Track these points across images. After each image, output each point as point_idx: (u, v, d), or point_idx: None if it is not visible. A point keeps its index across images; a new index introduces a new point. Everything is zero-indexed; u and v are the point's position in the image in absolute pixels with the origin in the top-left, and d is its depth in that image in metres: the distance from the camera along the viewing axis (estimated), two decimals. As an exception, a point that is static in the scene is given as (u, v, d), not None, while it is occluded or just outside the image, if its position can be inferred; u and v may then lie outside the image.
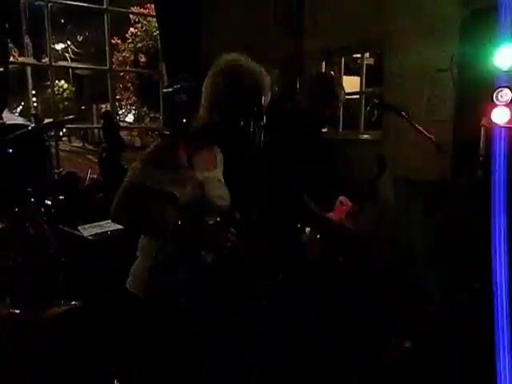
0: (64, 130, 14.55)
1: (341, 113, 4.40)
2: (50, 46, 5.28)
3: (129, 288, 1.52)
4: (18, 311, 2.08)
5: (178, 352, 1.48)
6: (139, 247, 1.54)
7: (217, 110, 1.46)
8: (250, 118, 1.39)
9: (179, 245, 1.45)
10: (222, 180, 1.55)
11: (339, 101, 2.44)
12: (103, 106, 15.33)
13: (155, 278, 1.46)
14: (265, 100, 1.45)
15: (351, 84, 4.67)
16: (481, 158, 2.85)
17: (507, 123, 1.89)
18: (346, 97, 4.68)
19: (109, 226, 2.97)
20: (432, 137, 2.35)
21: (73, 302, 2.22)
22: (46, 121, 3.77)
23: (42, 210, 2.46)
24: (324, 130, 3.07)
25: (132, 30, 11.18)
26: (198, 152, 1.48)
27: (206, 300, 1.57)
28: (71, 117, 3.32)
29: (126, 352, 1.64)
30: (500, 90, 1.87)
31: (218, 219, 1.60)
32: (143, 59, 10.60)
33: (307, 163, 2.34)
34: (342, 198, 2.68)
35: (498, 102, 1.94)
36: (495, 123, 1.95)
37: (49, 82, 5.71)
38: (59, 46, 15.73)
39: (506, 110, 1.98)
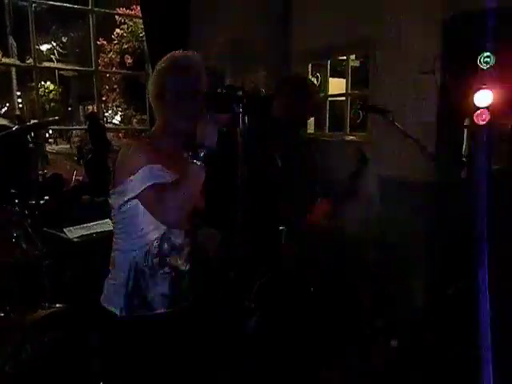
0: (50, 132, 14.39)
1: (327, 114, 4.45)
2: (34, 47, 5.22)
3: (104, 304, 1.47)
4: (1, 314, 2.05)
5: (157, 367, 1.44)
6: (111, 262, 1.49)
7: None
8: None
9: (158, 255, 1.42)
10: None
11: (309, 101, 2.45)
12: (89, 107, 15.19)
13: (132, 289, 1.41)
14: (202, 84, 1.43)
15: (337, 86, 4.70)
16: (464, 159, 2.90)
17: (488, 124, 1.93)
18: (333, 99, 4.72)
19: (95, 227, 2.95)
20: (416, 138, 2.38)
21: (58, 305, 2.19)
22: (32, 122, 3.73)
23: (26, 212, 2.42)
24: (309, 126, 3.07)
25: (118, 30, 11.08)
26: (168, 152, 1.45)
27: (187, 306, 1.55)
28: (55, 118, 3.28)
29: (107, 367, 1.61)
30: (480, 91, 1.91)
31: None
32: (129, 60, 10.52)
33: (287, 164, 2.35)
34: (322, 199, 2.70)
35: (478, 104, 1.98)
36: (477, 124, 1.99)
37: (34, 84, 5.63)
38: (44, 47, 15.57)
39: (487, 113, 2.03)
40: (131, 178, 1.33)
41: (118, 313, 1.42)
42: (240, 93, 1.27)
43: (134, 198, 1.35)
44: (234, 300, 1.59)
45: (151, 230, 1.40)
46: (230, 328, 1.64)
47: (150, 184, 1.31)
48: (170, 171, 1.38)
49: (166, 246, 1.43)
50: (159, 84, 1.45)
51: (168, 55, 1.49)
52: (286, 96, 2.41)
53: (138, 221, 1.39)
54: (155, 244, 1.41)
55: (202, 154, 1.30)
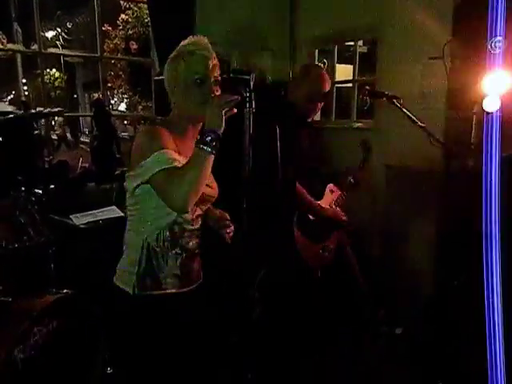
0: (56, 119, 14.40)
1: (333, 101, 4.41)
2: (39, 33, 5.19)
3: (117, 284, 1.51)
4: (9, 299, 2.07)
5: (169, 346, 1.48)
6: (124, 242, 1.53)
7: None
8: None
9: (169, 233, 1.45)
10: None
11: (324, 95, 2.47)
12: (95, 94, 15.16)
13: (144, 269, 1.45)
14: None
15: (344, 72, 4.65)
16: (472, 146, 2.86)
17: (498, 111, 1.89)
18: (339, 85, 4.68)
19: (101, 214, 2.96)
20: (424, 125, 2.36)
21: (64, 291, 2.22)
22: (38, 109, 3.73)
23: (33, 198, 2.43)
24: (314, 119, 3.07)
25: (123, 16, 11.00)
26: (183, 139, 1.47)
27: (198, 288, 1.59)
28: (58, 109, 3.26)
29: (116, 348, 1.64)
30: (491, 76, 1.88)
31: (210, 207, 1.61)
32: (134, 46, 10.46)
33: (296, 151, 2.35)
34: (331, 185, 2.70)
35: (487, 90, 1.94)
36: (486, 111, 1.96)
37: (39, 70, 5.62)
38: (49, 34, 15.50)
39: (497, 99, 1.99)
40: (144, 162, 1.34)
41: (130, 291, 1.46)
42: (247, 77, 1.25)
43: (145, 182, 1.37)
44: (239, 289, 1.60)
45: (163, 214, 1.43)
46: (234, 318, 1.66)
47: (161, 168, 1.32)
48: (184, 157, 1.39)
49: (176, 229, 1.47)
50: (172, 70, 1.46)
51: (182, 42, 1.50)
52: (309, 83, 2.42)
53: (150, 205, 1.42)
54: (167, 228, 1.45)
55: (208, 139, 1.29)
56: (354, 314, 2.80)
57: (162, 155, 1.33)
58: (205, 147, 1.29)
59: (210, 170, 1.34)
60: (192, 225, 1.51)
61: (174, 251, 1.48)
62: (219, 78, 1.44)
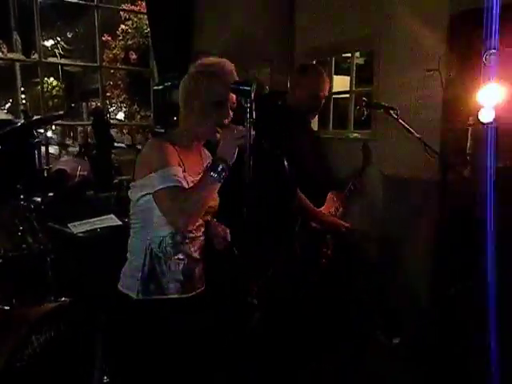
0: (54, 128, 14.40)
1: (331, 112, 4.45)
2: (39, 43, 5.24)
3: (121, 289, 1.54)
4: (7, 308, 2.07)
5: (170, 351, 1.50)
6: (128, 248, 1.57)
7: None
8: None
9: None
10: None
11: (323, 90, 2.47)
12: (93, 103, 15.19)
13: (148, 274, 1.49)
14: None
15: (341, 83, 4.70)
16: (468, 157, 2.90)
17: (493, 122, 1.93)
18: (337, 96, 4.72)
19: (99, 223, 2.97)
20: (420, 136, 2.39)
21: (62, 299, 2.22)
22: (35, 117, 3.75)
23: (32, 206, 2.44)
24: (313, 124, 3.09)
25: (123, 26, 11.07)
26: (187, 154, 1.52)
27: (201, 293, 1.61)
28: (60, 113, 3.30)
29: (118, 353, 1.65)
30: (486, 88, 1.91)
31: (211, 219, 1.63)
32: (134, 56, 10.52)
33: (299, 158, 2.36)
34: (332, 193, 2.71)
35: (482, 101, 1.98)
36: (482, 122, 1.99)
37: (38, 79, 5.65)
38: (49, 43, 15.57)
39: (492, 110, 2.03)
40: (151, 174, 1.38)
41: (134, 296, 1.49)
42: (248, 87, 1.28)
43: (149, 194, 1.41)
44: (238, 296, 1.61)
45: (164, 224, 1.46)
46: (232, 324, 1.67)
47: (166, 185, 1.36)
48: (189, 174, 1.45)
49: (178, 237, 1.49)
50: (194, 85, 1.48)
51: (200, 61, 1.53)
52: (308, 82, 2.43)
53: (152, 215, 1.46)
54: (168, 236, 1.48)
55: (220, 168, 1.34)
56: (351, 322, 2.80)
57: (167, 172, 1.37)
58: (215, 175, 1.35)
59: (213, 195, 1.42)
60: (193, 233, 1.54)
61: (176, 257, 1.50)
62: (235, 104, 1.48)
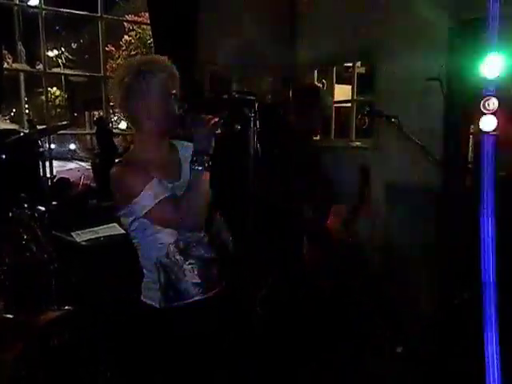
0: (53, 137, 14.44)
1: (332, 121, 4.48)
2: (44, 53, 5.29)
3: (145, 300, 1.56)
4: (11, 316, 2.08)
5: (190, 354, 1.52)
6: (141, 265, 1.58)
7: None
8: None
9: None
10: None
11: (322, 113, 2.50)
12: (95, 113, 15.28)
13: (165, 284, 1.51)
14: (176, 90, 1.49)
15: (343, 92, 4.73)
16: (469, 166, 2.91)
17: (494, 131, 1.94)
18: (338, 105, 4.74)
19: (102, 231, 2.97)
20: (422, 144, 2.40)
21: (66, 307, 2.22)
22: (40, 127, 3.78)
23: (36, 215, 2.46)
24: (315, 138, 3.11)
25: (126, 37, 11.20)
26: (156, 158, 1.51)
27: (221, 290, 1.63)
28: (65, 123, 3.33)
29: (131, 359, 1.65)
30: (487, 98, 1.92)
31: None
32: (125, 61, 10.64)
33: (299, 172, 2.38)
34: (336, 206, 2.70)
35: (485, 111, 1.99)
36: (483, 131, 2.00)
37: (41, 89, 5.70)
38: (53, 53, 15.71)
39: (493, 118, 2.03)
40: (135, 200, 1.40)
41: (157, 305, 1.51)
42: (251, 97, 1.29)
43: (143, 217, 1.43)
44: (242, 304, 1.62)
45: (163, 238, 1.48)
46: (233, 322, 1.68)
47: (156, 202, 1.39)
48: (166, 177, 1.47)
49: (181, 244, 1.50)
50: (144, 85, 1.46)
51: (128, 63, 1.57)
52: (304, 104, 2.46)
53: (149, 232, 1.47)
54: (172, 246, 1.49)
55: (201, 159, 1.40)
56: (351, 323, 2.79)
57: (151, 190, 1.39)
58: (200, 167, 1.40)
59: (208, 183, 1.43)
60: (196, 235, 1.54)
61: (187, 262, 1.52)
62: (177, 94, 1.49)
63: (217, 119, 1.40)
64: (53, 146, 4.21)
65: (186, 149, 1.58)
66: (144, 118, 1.49)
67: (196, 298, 1.53)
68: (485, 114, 2.03)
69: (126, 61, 1.53)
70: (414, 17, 3.27)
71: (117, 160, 1.61)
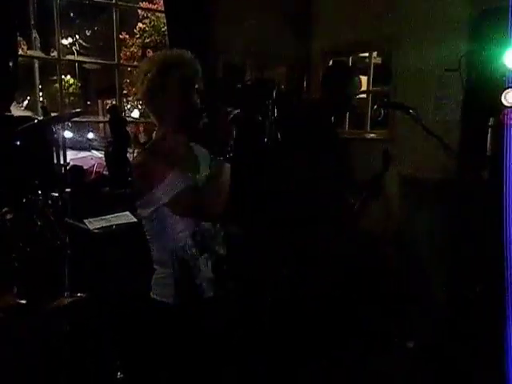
0: (70, 125, 14.54)
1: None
2: (59, 41, 5.30)
3: (156, 297, 1.55)
4: (24, 301, 2.10)
5: (203, 350, 1.52)
6: (154, 260, 1.57)
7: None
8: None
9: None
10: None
11: (353, 88, 2.43)
12: (109, 101, 15.33)
13: (180, 279, 1.50)
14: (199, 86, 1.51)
15: (358, 83, 4.66)
16: (487, 158, 2.84)
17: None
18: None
19: (114, 219, 2.98)
20: (439, 136, 2.35)
21: (78, 294, 2.24)
22: (54, 114, 3.79)
23: (49, 202, 2.47)
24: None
25: (140, 25, 11.16)
26: (180, 153, 1.53)
27: (233, 288, 1.64)
28: (78, 110, 3.34)
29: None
30: (508, 90, 1.87)
31: None
32: (151, 54, 10.63)
33: (321, 156, 2.32)
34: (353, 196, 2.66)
35: (506, 103, 1.93)
36: (506, 106, 1.93)
37: (55, 77, 5.72)
38: (67, 41, 15.75)
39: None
40: (159, 187, 1.40)
41: (171, 302, 1.50)
42: (270, 85, 1.28)
43: (164, 205, 1.42)
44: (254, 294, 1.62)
45: (182, 229, 1.48)
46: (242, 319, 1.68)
47: (179, 189, 1.39)
48: (187, 170, 1.47)
49: (198, 238, 1.50)
50: (156, 84, 1.47)
51: (153, 57, 1.57)
52: (327, 81, 2.40)
53: (167, 224, 1.47)
54: (189, 238, 1.49)
55: (224, 150, 1.44)
56: (361, 320, 2.77)
57: (172, 179, 1.39)
58: (221, 158, 1.45)
59: (229, 173, 1.47)
60: (212, 229, 1.54)
61: (203, 256, 1.51)
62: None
63: (237, 110, 1.42)
64: (71, 134, 4.22)
65: (199, 149, 1.61)
66: (167, 112, 1.50)
67: (209, 295, 1.53)
68: (505, 106, 1.97)
69: (151, 55, 1.53)
70: (433, 5, 3.20)
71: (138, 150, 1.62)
